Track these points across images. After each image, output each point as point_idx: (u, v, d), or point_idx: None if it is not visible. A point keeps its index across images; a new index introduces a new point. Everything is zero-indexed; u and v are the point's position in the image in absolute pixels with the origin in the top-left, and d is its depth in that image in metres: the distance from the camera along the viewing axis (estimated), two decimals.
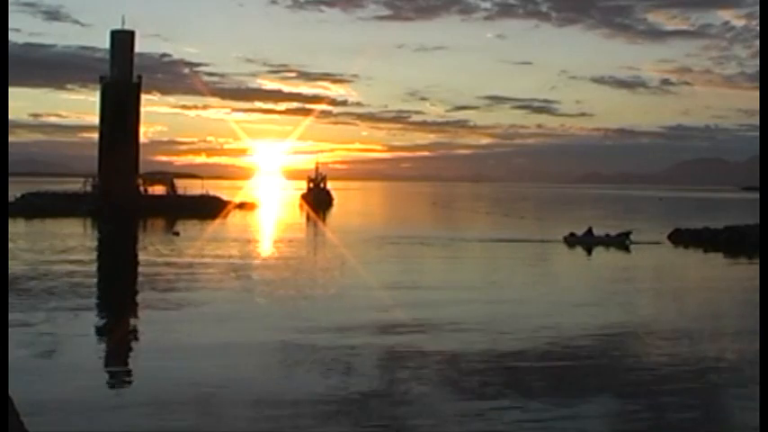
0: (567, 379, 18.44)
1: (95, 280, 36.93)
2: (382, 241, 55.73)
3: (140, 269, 40.54)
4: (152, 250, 48.25)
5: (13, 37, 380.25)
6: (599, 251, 52.22)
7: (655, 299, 33.10)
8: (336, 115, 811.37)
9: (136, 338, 23.09)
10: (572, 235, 56.62)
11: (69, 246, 49.43)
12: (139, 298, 30.99)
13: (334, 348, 20.78)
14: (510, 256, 48.60)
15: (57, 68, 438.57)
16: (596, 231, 57.36)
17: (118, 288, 34.92)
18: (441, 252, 50.25)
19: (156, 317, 25.98)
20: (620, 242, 55.61)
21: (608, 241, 55.90)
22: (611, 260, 48.75)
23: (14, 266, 35.11)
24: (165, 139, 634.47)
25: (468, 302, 29.90)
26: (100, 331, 24.29)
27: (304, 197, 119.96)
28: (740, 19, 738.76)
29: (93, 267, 41.55)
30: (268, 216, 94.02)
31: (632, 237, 56.83)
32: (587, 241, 55.32)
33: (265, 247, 53.27)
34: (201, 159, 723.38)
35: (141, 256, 46.44)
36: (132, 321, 25.35)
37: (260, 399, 16.29)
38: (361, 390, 17.06)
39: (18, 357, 17.93)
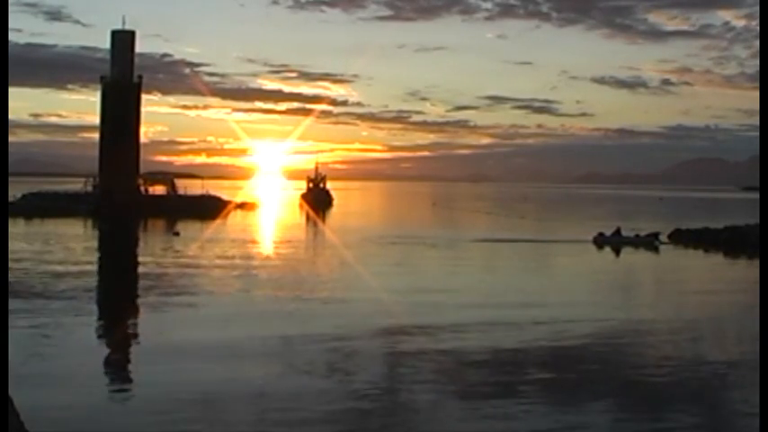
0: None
1: (95, 281, 36.86)
2: (383, 241, 55.59)
3: (140, 270, 40.45)
4: (152, 251, 48.21)
5: (14, 37, 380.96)
6: (631, 252, 51.94)
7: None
8: (337, 115, 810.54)
9: (136, 341, 22.98)
10: (601, 235, 56.85)
11: (69, 246, 49.39)
12: (139, 300, 30.86)
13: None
14: (546, 259, 48.32)
15: (58, 68, 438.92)
16: (624, 232, 57.60)
17: (118, 289, 34.90)
18: (464, 255, 48.94)
19: (155, 320, 25.92)
20: (649, 243, 55.78)
21: (637, 242, 56.12)
22: (654, 262, 48.34)
23: (14, 267, 35.06)
24: (166, 139, 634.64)
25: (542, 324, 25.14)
26: (99, 334, 24.31)
27: (304, 197, 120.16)
28: (740, 19, 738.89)
29: (94, 268, 41.46)
30: (268, 216, 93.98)
31: (661, 237, 57.08)
32: (616, 242, 55.45)
33: (265, 248, 53.23)
34: (202, 159, 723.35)
35: (141, 257, 46.41)
36: (132, 324, 25.21)
37: (262, 409, 15.89)
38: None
39: (18, 359, 17.91)
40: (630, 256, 50.64)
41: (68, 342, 21.92)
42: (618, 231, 57.37)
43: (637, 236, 57.51)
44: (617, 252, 51.99)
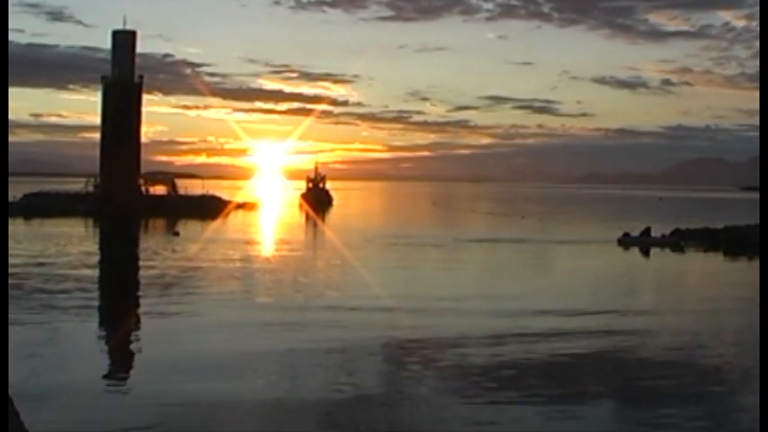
0: None
1: (95, 281, 36.86)
2: (385, 242, 55.53)
3: (140, 271, 40.48)
4: (152, 251, 48.12)
5: (16, 37, 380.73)
6: (658, 253, 51.76)
7: None
8: (337, 115, 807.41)
9: (136, 343, 22.96)
10: (626, 236, 56.72)
11: (69, 247, 49.38)
12: (138, 302, 30.80)
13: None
14: (578, 260, 47.79)
15: (59, 69, 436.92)
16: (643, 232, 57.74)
17: (117, 290, 34.92)
18: (477, 258, 48.54)
19: (154, 322, 25.90)
20: (675, 243, 55.69)
21: (662, 242, 56.01)
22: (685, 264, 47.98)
23: (14, 267, 35.02)
24: (166, 139, 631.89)
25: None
26: (99, 335, 24.34)
27: (304, 197, 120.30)
28: (740, 20, 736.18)
29: (94, 268, 41.44)
30: (268, 216, 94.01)
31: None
32: (641, 242, 55.38)
33: (266, 249, 53.19)
34: (202, 159, 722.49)
35: (141, 258, 46.31)
36: (131, 326, 25.01)
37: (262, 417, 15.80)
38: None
39: (18, 359, 17.93)
40: (659, 258, 50.38)
41: (68, 342, 21.93)
42: (647, 231, 57.27)
43: (663, 236, 57.41)
44: (645, 252, 51.81)
